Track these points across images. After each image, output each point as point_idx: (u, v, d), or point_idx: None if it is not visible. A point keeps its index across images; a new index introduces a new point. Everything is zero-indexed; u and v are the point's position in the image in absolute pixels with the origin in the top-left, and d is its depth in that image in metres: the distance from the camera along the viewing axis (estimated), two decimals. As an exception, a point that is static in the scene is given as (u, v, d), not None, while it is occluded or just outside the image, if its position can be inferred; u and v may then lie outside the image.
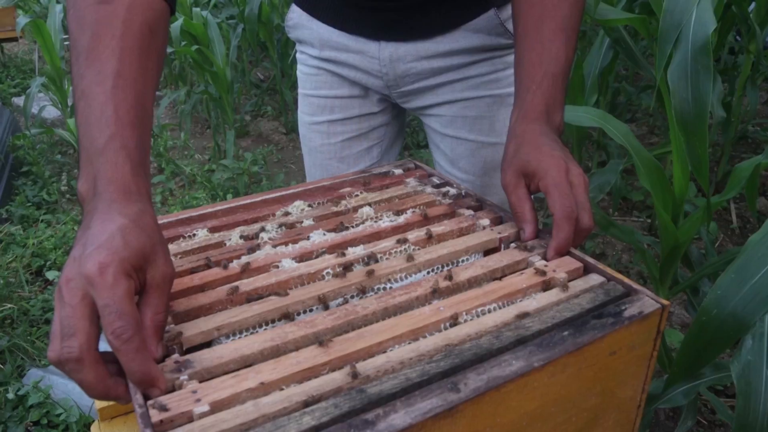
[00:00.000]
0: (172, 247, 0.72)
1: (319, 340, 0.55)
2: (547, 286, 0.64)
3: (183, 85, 4.31)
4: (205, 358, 0.53)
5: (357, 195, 0.83)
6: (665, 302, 0.61)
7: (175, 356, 0.53)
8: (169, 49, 3.25)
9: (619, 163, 1.94)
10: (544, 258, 0.69)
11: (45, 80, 3.55)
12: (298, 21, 1.13)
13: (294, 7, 1.14)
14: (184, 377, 0.51)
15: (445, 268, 0.68)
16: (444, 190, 0.84)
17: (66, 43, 5.71)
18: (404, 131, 1.27)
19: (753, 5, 2.64)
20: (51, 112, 4.57)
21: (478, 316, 0.60)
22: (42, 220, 3.06)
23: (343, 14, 1.06)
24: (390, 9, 1.01)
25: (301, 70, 1.17)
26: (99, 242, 0.52)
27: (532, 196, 0.74)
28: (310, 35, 1.11)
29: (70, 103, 3.80)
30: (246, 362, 0.54)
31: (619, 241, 2.77)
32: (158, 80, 0.70)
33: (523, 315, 0.59)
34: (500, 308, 0.61)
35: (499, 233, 0.73)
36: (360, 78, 1.10)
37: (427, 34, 1.04)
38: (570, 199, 0.69)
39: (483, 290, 0.62)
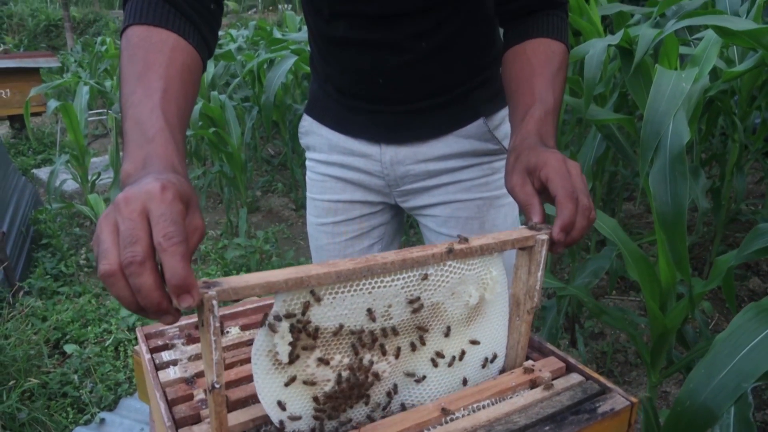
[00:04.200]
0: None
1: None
2: (533, 384, 0.75)
3: (197, 161, 4.50)
4: (232, 281, 0.58)
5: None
6: (634, 400, 0.72)
7: (204, 279, 0.59)
8: (189, 132, 3.44)
9: (613, 249, 2.06)
10: (551, 237, 0.75)
11: (69, 157, 3.73)
12: (309, 128, 1.26)
13: (306, 116, 1.28)
14: (212, 292, 0.55)
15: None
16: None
17: (90, 119, 5.99)
18: (402, 230, 1.39)
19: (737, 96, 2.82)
20: (70, 185, 4.76)
21: (473, 411, 0.70)
22: (59, 293, 3.18)
23: (347, 120, 1.19)
24: (389, 113, 1.14)
25: (309, 176, 1.29)
26: (157, 177, 0.60)
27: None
28: (320, 141, 1.24)
29: (91, 178, 3.98)
30: (271, 289, 0.59)
31: (617, 320, 2.85)
32: (191, 112, 0.82)
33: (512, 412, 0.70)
34: (493, 404, 0.71)
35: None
36: (364, 179, 1.22)
37: (423, 137, 1.16)
38: (569, 181, 0.76)
39: (478, 388, 0.73)
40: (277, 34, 4.27)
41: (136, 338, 2.55)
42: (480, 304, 0.76)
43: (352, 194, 1.24)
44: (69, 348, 2.50)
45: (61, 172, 4.69)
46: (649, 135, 1.40)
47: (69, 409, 2.17)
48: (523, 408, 0.70)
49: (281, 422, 0.66)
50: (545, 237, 0.75)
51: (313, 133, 1.26)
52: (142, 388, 1.28)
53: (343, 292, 0.65)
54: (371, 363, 0.69)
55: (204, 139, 3.76)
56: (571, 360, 0.79)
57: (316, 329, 0.64)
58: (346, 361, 0.67)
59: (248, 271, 2.93)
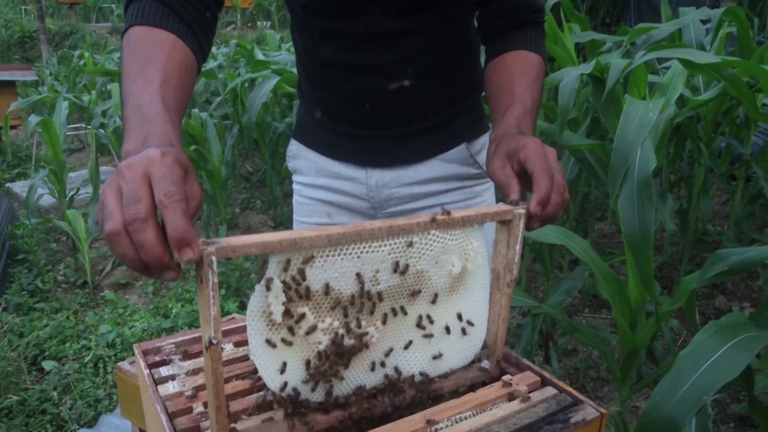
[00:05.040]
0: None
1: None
2: (511, 396, 0.81)
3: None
4: (230, 240, 0.61)
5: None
6: (603, 411, 0.78)
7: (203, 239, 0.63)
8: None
9: (585, 269, 2.14)
10: (528, 211, 0.80)
11: (48, 172, 3.72)
12: (297, 152, 1.31)
13: (293, 141, 1.33)
14: (211, 249, 0.59)
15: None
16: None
17: (68, 133, 5.96)
18: None
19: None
20: (46, 200, 4.73)
21: (456, 422, 0.76)
22: (36, 309, 3.17)
23: (334, 144, 1.24)
24: (374, 138, 1.19)
25: (296, 199, 1.34)
26: (157, 146, 0.65)
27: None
28: (307, 165, 1.29)
29: (69, 193, 3.97)
30: (266, 248, 0.63)
31: (589, 337, 2.93)
32: (187, 104, 0.88)
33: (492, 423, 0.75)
34: (474, 416, 0.77)
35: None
36: (350, 203, 1.26)
37: (408, 162, 1.21)
38: (546, 161, 0.81)
39: (461, 400, 0.79)
40: (258, 53, 4.33)
41: (115, 354, 2.56)
42: (462, 274, 0.82)
43: (339, 218, 1.28)
44: (47, 364, 2.50)
45: (38, 187, 4.67)
46: (619, 162, 1.49)
47: (48, 426, 2.17)
48: (502, 419, 0.76)
49: (276, 386, 0.71)
50: (522, 211, 0.80)
51: (301, 157, 1.30)
52: (125, 405, 1.30)
53: (333, 256, 0.70)
54: (361, 327, 0.74)
55: (184, 156, 3.77)
56: (546, 374, 0.85)
57: (308, 290, 0.69)
58: (336, 324, 0.72)
59: (228, 288, 2.96)
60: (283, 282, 0.67)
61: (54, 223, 3.56)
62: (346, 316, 0.73)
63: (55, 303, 3.21)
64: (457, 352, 0.85)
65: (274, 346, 0.69)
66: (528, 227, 0.82)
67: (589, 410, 0.78)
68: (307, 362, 0.72)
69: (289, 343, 0.70)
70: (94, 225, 3.54)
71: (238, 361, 0.88)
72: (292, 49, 4.87)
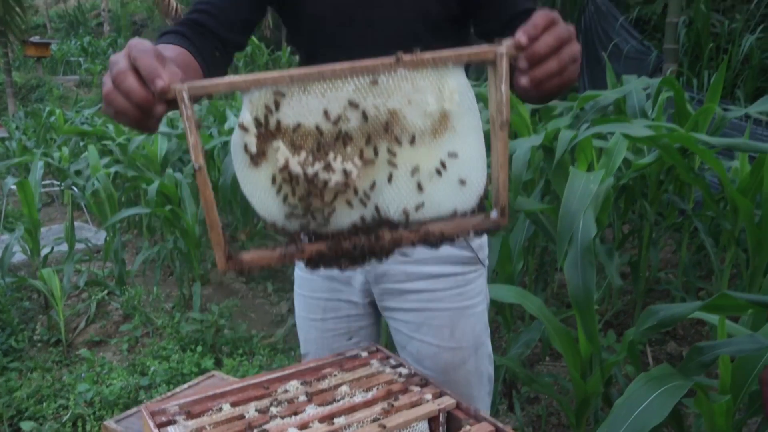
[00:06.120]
0: (205, 419, 1.01)
1: None
2: (470, 446, 0.95)
3: (148, 234, 4.60)
4: (202, 81, 0.75)
5: (336, 375, 1.14)
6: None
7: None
8: (146, 210, 3.59)
9: (542, 323, 2.32)
10: (514, 43, 0.77)
11: (23, 232, 3.79)
12: None
13: None
14: (182, 86, 0.73)
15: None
16: (399, 370, 1.16)
17: (43, 190, 6.00)
18: (380, 333, 1.50)
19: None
20: (17, 257, 4.75)
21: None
22: (10, 368, 3.20)
23: None
24: None
25: (297, 273, 1.41)
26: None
27: None
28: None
29: (43, 253, 4.03)
30: (232, 87, 0.76)
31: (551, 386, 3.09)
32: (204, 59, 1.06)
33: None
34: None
35: (439, 405, 1.05)
36: (348, 276, 1.31)
37: None
38: (551, 14, 0.77)
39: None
40: (230, 114, 4.50)
41: (94, 413, 2.62)
42: (445, 117, 0.81)
43: (338, 293, 1.34)
44: (26, 425, 2.54)
45: (3, 241, 4.68)
46: (564, 229, 1.68)
47: (29, 486, 2.21)
48: (462, 464, 0.90)
49: (267, 216, 0.82)
50: (504, 51, 0.77)
51: None
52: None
53: (299, 94, 0.77)
54: (337, 161, 0.80)
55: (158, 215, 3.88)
56: (501, 425, 1.00)
57: (278, 123, 0.77)
58: (311, 159, 0.79)
59: (204, 345, 3.05)
60: (255, 118, 0.77)
61: (29, 283, 3.60)
62: (320, 151, 0.79)
63: (29, 362, 3.24)
64: (451, 196, 0.85)
65: (257, 171, 0.79)
66: (517, 83, 0.80)
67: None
68: (288, 194, 0.80)
69: (272, 177, 0.79)
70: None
71: (236, 419, 1.02)
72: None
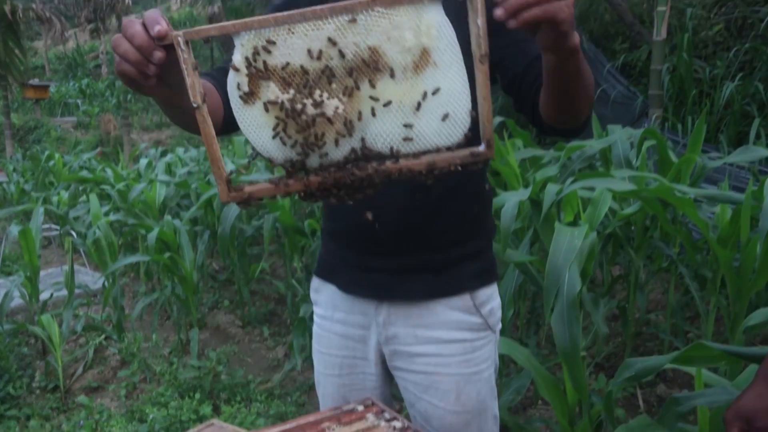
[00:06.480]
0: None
1: None
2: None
3: (146, 278, 4.67)
4: (196, 28, 0.82)
5: (334, 429, 1.22)
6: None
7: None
8: (145, 257, 3.66)
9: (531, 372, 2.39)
10: None
11: (23, 279, 3.85)
12: (318, 287, 1.44)
13: (315, 277, 1.45)
14: (178, 32, 0.81)
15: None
16: (393, 423, 1.23)
17: (43, 234, 6.07)
18: (390, 391, 1.51)
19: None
20: (15, 301, 4.78)
21: None
22: (7, 416, 3.22)
23: (349, 279, 1.35)
24: (385, 271, 1.29)
25: (315, 330, 1.45)
26: None
27: None
28: (325, 299, 1.41)
29: (42, 297, 4.08)
30: (223, 31, 0.83)
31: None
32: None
33: None
34: None
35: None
36: (363, 334, 1.36)
37: (414, 298, 1.30)
38: None
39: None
40: (228, 162, 4.61)
41: (93, 462, 2.65)
42: (426, 53, 0.85)
43: (354, 351, 1.38)
44: (26, 474, 2.57)
45: (2, 286, 4.73)
46: (550, 284, 1.77)
47: None
48: None
49: (265, 152, 0.88)
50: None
51: (320, 291, 1.43)
52: None
53: (284, 35, 0.83)
54: (324, 97, 0.85)
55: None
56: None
57: (265, 63, 0.84)
58: (299, 96, 0.85)
59: (202, 391, 3.09)
60: (245, 58, 0.84)
61: (29, 329, 3.65)
62: (307, 88, 0.85)
63: (27, 409, 3.27)
64: (437, 129, 0.87)
65: (251, 109, 0.87)
66: (495, 15, 0.80)
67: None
68: (281, 130, 0.87)
69: (264, 114, 0.87)
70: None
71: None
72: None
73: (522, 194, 2.34)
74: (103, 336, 4.02)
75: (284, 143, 0.88)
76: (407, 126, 0.87)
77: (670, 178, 3.09)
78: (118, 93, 17.24)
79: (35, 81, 16.79)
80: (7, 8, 13.23)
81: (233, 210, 3.29)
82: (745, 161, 3.35)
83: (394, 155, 0.89)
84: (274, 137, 0.88)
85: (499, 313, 1.36)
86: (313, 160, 0.90)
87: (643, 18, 7.09)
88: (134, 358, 3.51)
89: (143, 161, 5.89)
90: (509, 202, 2.28)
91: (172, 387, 3.17)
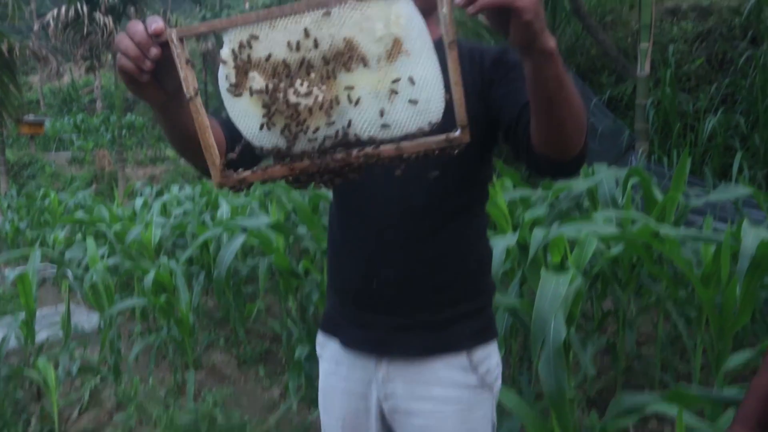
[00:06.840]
0: None
1: None
2: None
3: (141, 318, 4.69)
4: (188, 26, 0.91)
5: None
6: None
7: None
8: (142, 301, 3.70)
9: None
10: None
11: (20, 323, 3.87)
12: (323, 342, 1.47)
13: (320, 332, 1.48)
14: (172, 29, 0.89)
15: None
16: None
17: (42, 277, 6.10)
18: None
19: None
20: (11, 343, 4.79)
21: None
22: (3, 462, 3.22)
23: (350, 335, 1.38)
24: (384, 328, 1.32)
25: (321, 385, 1.48)
26: None
27: None
28: (329, 355, 1.45)
29: (39, 339, 4.10)
30: (212, 28, 0.92)
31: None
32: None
33: None
34: None
35: None
36: (364, 391, 1.38)
37: (412, 355, 1.32)
38: None
39: None
40: (223, 202, 4.68)
41: None
42: (398, 42, 0.90)
43: (357, 405, 1.40)
44: None
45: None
46: (537, 331, 1.83)
47: None
48: None
49: (255, 141, 0.95)
50: None
51: (325, 346, 1.47)
52: None
53: (266, 30, 0.90)
54: (304, 86, 0.92)
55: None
56: None
57: (249, 56, 0.91)
58: (282, 85, 0.92)
59: (199, 435, 3.11)
60: (232, 50, 0.92)
61: (25, 373, 3.66)
62: (288, 78, 0.92)
63: (23, 455, 3.28)
64: (412, 115, 0.92)
65: (239, 99, 0.94)
66: (456, 3, 0.84)
67: None
68: (267, 119, 0.93)
69: (251, 104, 0.93)
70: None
71: None
72: (252, 195, 5.28)
73: (510, 239, 2.41)
74: (98, 377, 4.03)
75: (270, 130, 0.95)
76: (384, 113, 0.93)
77: (655, 216, 3.18)
78: (113, 128, 17.34)
79: (30, 117, 16.90)
80: (4, 46, 13.39)
81: (228, 255, 3.35)
82: (728, 198, 3.44)
83: (374, 141, 0.94)
84: (261, 126, 0.95)
85: (498, 371, 1.37)
86: (298, 147, 0.96)
87: (628, 51, 7.26)
88: (131, 402, 3.53)
89: (139, 201, 5.95)
90: (497, 247, 2.35)
91: (169, 431, 3.19)
